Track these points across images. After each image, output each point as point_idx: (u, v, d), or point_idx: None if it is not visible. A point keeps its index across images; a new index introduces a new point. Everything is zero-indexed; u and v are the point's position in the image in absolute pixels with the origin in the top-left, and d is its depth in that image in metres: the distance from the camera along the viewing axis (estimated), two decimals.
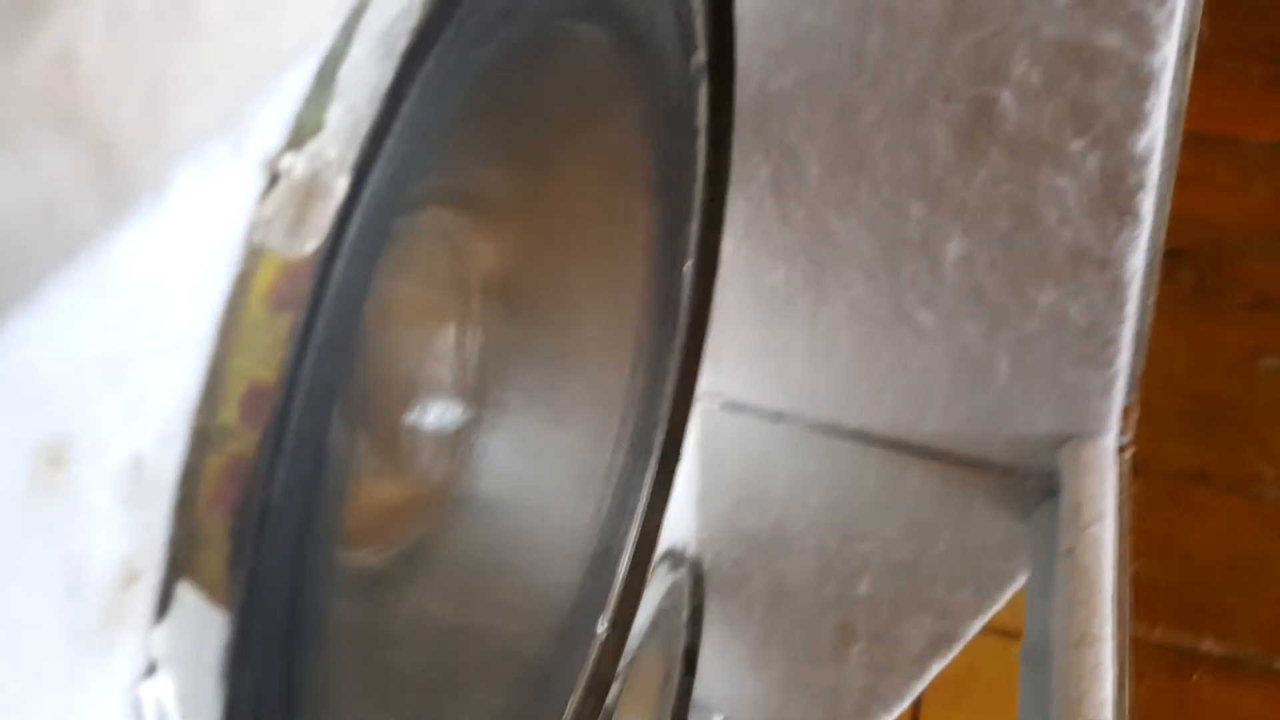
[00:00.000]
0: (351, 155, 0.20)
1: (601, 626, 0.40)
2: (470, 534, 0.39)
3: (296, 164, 0.20)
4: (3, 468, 0.16)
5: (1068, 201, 0.46)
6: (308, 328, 0.20)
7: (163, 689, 0.20)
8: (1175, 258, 1.23)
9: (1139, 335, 0.50)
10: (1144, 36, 0.41)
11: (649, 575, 0.42)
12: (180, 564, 0.20)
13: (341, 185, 0.20)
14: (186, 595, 0.20)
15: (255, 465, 0.19)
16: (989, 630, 0.65)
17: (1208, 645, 1.02)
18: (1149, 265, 0.48)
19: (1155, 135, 0.44)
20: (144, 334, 0.18)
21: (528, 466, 0.40)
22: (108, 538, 0.18)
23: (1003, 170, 0.47)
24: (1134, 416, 0.54)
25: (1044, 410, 0.54)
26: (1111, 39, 0.42)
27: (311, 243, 0.19)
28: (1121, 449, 0.54)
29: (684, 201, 0.40)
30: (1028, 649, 0.50)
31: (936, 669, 0.68)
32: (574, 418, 0.40)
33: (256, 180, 0.19)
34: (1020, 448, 0.56)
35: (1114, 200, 0.46)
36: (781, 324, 0.56)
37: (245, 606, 0.20)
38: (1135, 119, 0.43)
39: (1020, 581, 0.61)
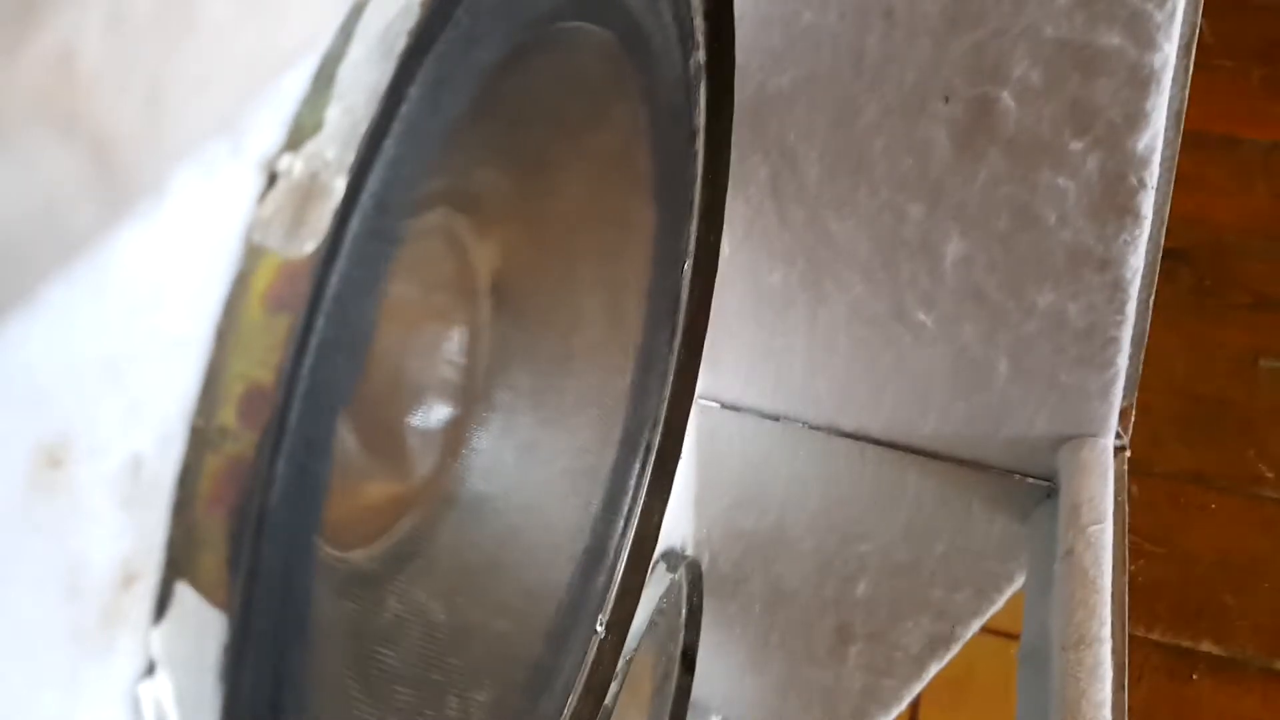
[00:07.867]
0: (350, 156, 0.20)
1: (600, 626, 0.40)
2: (465, 533, 0.39)
3: (295, 165, 0.19)
4: (2, 468, 0.16)
5: (1067, 202, 0.46)
6: (306, 329, 0.20)
7: (161, 689, 0.20)
8: (1175, 258, 1.23)
9: (1138, 336, 0.50)
10: (1144, 36, 0.41)
11: (647, 575, 0.42)
12: (179, 565, 0.20)
13: (340, 186, 0.20)
14: (185, 596, 0.20)
15: (254, 467, 0.19)
16: (987, 631, 0.65)
17: (1206, 646, 1.02)
18: (1149, 266, 0.48)
19: (1155, 135, 0.44)
20: (143, 335, 0.18)
21: (524, 466, 0.40)
22: (107, 538, 0.18)
23: (1002, 171, 0.47)
24: (1132, 417, 0.54)
25: (1043, 411, 0.54)
26: (1112, 39, 0.42)
27: (310, 244, 0.19)
28: (1120, 450, 0.54)
29: (683, 202, 0.40)
30: (1026, 650, 0.50)
31: (935, 670, 0.68)
32: (571, 417, 0.40)
33: (255, 181, 0.19)
34: (1019, 449, 0.56)
35: (1114, 200, 0.46)
36: (780, 325, 0.56)
37: (244, 607, 0.20)
38: (1135, 119, 0.43)
39: (1019, 583, 0.61)
